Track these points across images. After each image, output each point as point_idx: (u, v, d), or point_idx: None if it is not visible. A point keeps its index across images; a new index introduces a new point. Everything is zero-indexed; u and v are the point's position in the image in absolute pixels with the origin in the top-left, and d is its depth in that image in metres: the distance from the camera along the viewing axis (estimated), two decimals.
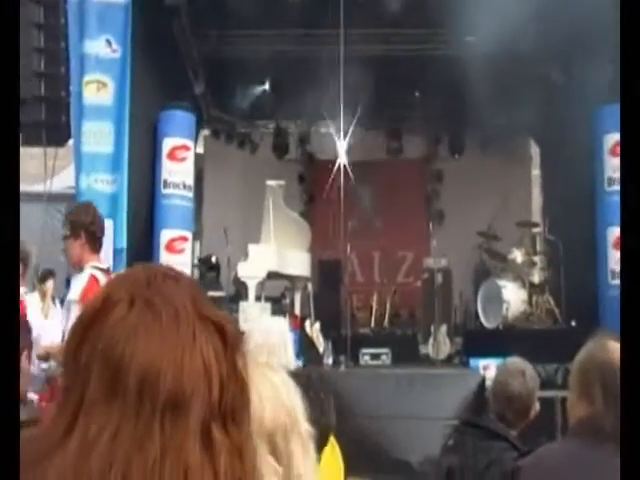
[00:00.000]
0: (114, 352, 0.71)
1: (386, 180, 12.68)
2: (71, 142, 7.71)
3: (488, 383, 6.62)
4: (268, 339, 2.85)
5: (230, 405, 0.76)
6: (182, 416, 0.72)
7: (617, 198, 8.72)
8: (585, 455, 1.78)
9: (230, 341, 0.78)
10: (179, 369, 0.72)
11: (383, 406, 7.36)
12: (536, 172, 11.81)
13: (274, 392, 1.39)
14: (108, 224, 5.28)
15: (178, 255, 8.44)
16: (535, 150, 11.65)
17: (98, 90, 7.47)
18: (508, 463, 2.29)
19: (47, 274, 6.71)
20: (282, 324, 3.09)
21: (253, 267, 8.66)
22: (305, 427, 1.44)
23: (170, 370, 0.71)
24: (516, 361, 3.17)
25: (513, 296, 8.78)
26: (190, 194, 8.91)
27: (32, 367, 3.56)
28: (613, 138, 8.69)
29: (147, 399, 0.70)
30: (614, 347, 1.77)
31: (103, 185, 7.40)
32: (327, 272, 10.99)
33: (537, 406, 3.02)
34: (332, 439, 2.87)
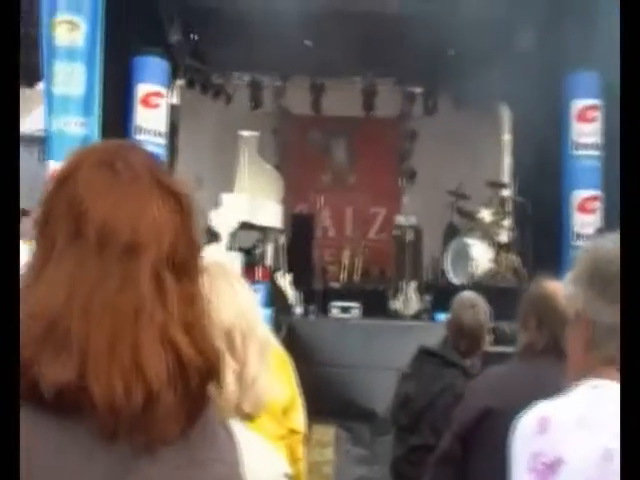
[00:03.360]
0: (79, 207, 0.81)
1: (360, 137, 12.69)
2: (41, 84, 7.58)
3: None
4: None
5: (181, 259, 0.84)
6: (136, 261, 0.80)
7: (582, 162, 8.97)
8: (522, 372, 1.97)
9: (184, 204, 0.87)
10: (135, 222, 0.81)
11: (351, 356, 7.52)
12: (507, 135, 11.91)
13: (234, 295, 1.46)
14: None
15: None
16: (507, 113, 11.74)
17: (70, 31, 7.32)
18: (459, 388, 2.44)
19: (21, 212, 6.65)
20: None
21: (226, 216, 8.68)
22: (262, 331, 1.50)
23: (126, 223, 0.81)
24: (468, 295, 3.34)
25: (481, 254, 8.95)
26: (163, 141, 8.86)
27: None
28: (580, 104, 8.89)
29: (106, 247, 0.79)
30: (549, 285, 1.95)
31: (74, 128, 7.28)
32: (299, 225, 11.04)
33: (489, 338, 3.18)
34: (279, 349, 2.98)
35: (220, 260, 3.05)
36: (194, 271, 0.88)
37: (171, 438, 0.81)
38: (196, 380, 0.83)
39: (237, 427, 1.40)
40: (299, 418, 3.10)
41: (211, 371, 0.86)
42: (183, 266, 0.85)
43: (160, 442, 0.80)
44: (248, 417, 1.49)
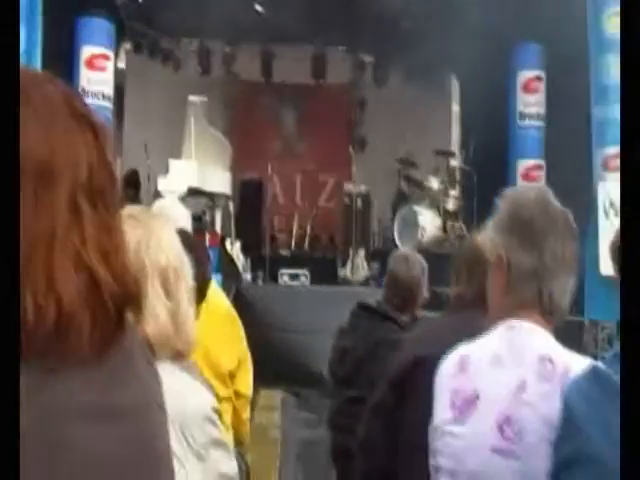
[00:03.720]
0: None
1: (311, 104, 12.64)
2: None
3: None
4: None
5: (98, 188, 0.85)
6: (52, 187, 0.81)
7: (527, 132, 9.14)
8: (451, 323, 2.04)
9: (100, 135, 0.88)
10: (51, 149, 0.82)
11: (299, 321, 7.58)
12: (455, 106, 12.03)
13: (173, 239, 1.52)
14: None
15: None
16: (455, 85, 11.85)
17: None
18: (395, 340, 2.50)
19: None
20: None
21: (173, 182, 8.59)
22: (191, 282, 1.55)
23: (42, 150, 0.81)
24: (404, 250, 3.39)
25: (428, 222, 9.07)
26: (109, 105, 8.68)
27: None
28: (525, 75, 9.04)
29: (23, 173, 0.79)
30: (478, 239, 2.03)
31: None
32: (249, 192, 11.01)
33: (425, 293, 3.25)
34: (230, 310, 3.01)
35: (168, 208, 3.06)
36: (111, 201, 0.88)
37: (86, 358, 0.82)
38: (111, 304, 0.83)
39: (167, 365, 1.45)
40: (246, 381, 3.12)
41: (128, 297, 0.86)
42: (100, 195, 0.85)
43: (74, 362, 0.81)
44: (180, 355, 1.53)
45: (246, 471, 2.21)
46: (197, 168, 8.96)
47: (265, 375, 5.99)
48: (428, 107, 11.68)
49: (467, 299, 2.21)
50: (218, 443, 1.51)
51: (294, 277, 9.06)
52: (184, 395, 1.47)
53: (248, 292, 7.90)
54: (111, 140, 0.92)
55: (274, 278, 9.07)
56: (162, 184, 8.72)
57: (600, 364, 1.17)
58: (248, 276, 9.05)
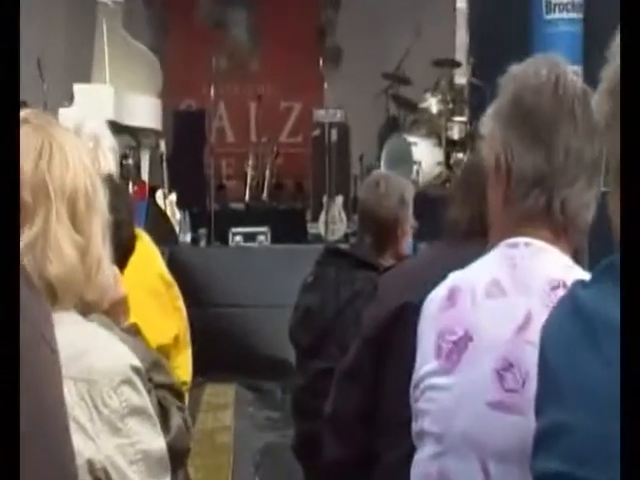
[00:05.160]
0: None
1: (268, 4, 12.58)
2: None
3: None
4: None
5: None
6: None
7: (557, 29, 9.06)
8: (444, 259, 2.07)
9: None
10: None
11: (256, 293, 7.61)
12: (461, 2, 12.00)
13: (81, 154, 1.52)
14: None
15: None
16: None
17: None
18: (372, 291, 2.53)
19: None
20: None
21: (81, 114, 8.51)
22: (106, 215, 1.56)
23: None
24: (377, 173, 3.39)
25: (426, 155, 9.10)
26: None
27: None
28: None
29: None
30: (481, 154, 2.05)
31: None
32: (186, 127, 10.98)
33: (410, 222, 3.27)
34: (148, 247, 3.04)
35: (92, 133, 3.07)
36: None
37: None
38: None
39: (70, 313, 1.47)
40: (185, 364, 3.15)
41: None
42: None
43: None
44: (89, 308, 1.54)
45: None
46: (114, 95, 8.88)
47: (211, 365, 6.06)
48: (424, 3, 11.66)
49: (461, 227, 2.22)
50: (138, 412, 1.52)
51: (250, 237, 9.08)
52: (92, 349, 1.48)
53: (186, 257, 7.90)
54: None
55: (223, 239, 9.08)
56: (64, 117, 8.63)
57: (581, 285, 1.08)
58: (187, 237, 9.05)
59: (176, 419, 2.10)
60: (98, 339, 1.54)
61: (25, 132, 1.44)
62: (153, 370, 2.02)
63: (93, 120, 3.29)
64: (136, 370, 1.53)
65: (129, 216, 2.56)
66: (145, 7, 11.89)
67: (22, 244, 1.36)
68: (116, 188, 2.16)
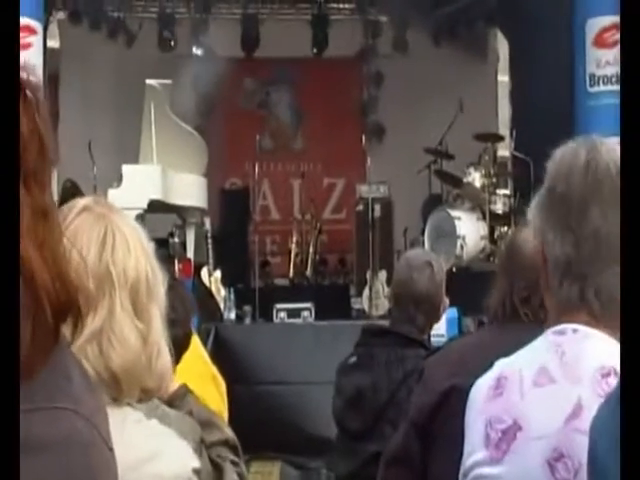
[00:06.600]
0: None
1: (309, 84, 12.75)
2: None
3: (437, 341, 6.82)
4: None
5: (31, 165, 0.90)
6: None
7: (601, 101, 9.04)
8: (493, 340, 2.04)
9: (30, 98, 0.90)
10: None
11: (300, 370, 7.56)
12: (502, 73, 12.07)
13: (140, 238, 1.53)
14: None
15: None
16: (502, 44, 11.89)
17: None
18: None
19: None
20: None
21: (129, 194, 8.63)
22: (163, 299, 1.57)
23: None
24: (418, 253, 3.40)
25: (470, 230, 9.07)
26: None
27: None
28: (597, 24, 8.91)
29: None
30: (525, 229, 2.03)
31: None
32: (231, 205, 11.09)
33: (446, 301, 3.26)
34: (197, 346, 3.04)
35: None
36: (46, 181, 0.93)
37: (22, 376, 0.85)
38: (49, 310, 0.87)
39: (140, 415, 1.49)
40: None
41: (68, 301, 0.90)
42: (34, 173, 0.90)
43: None
44: (148, 395, 1.56)
45: None
46: (161, 174, 9.01)
47: (257, 443, 6.01)
48: (465, 76, 11.71)
49: (507, 308, 2.21)
50: None
51: (294, 313, 9.05)
52: (159, 454, 1.53)
53: (231, 334, 7.91)
54: (45, 105, 0.93)
55: (267, 315, 9.07)
56: (113, 197, 8.76)
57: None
58: (232, 314, 9.05)
59: (230, 475, 2.10)
60: (163, 442, 1.56)
61: (87, 220, 1.48)
62: (205, 430, 2.02)
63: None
64: (196, 472, 1.58)
65: (186, 315, 2.58)
66: (191, 89, 12.10)
67: (86, 333, 1.36)
68: (173, 286, 2.17)
